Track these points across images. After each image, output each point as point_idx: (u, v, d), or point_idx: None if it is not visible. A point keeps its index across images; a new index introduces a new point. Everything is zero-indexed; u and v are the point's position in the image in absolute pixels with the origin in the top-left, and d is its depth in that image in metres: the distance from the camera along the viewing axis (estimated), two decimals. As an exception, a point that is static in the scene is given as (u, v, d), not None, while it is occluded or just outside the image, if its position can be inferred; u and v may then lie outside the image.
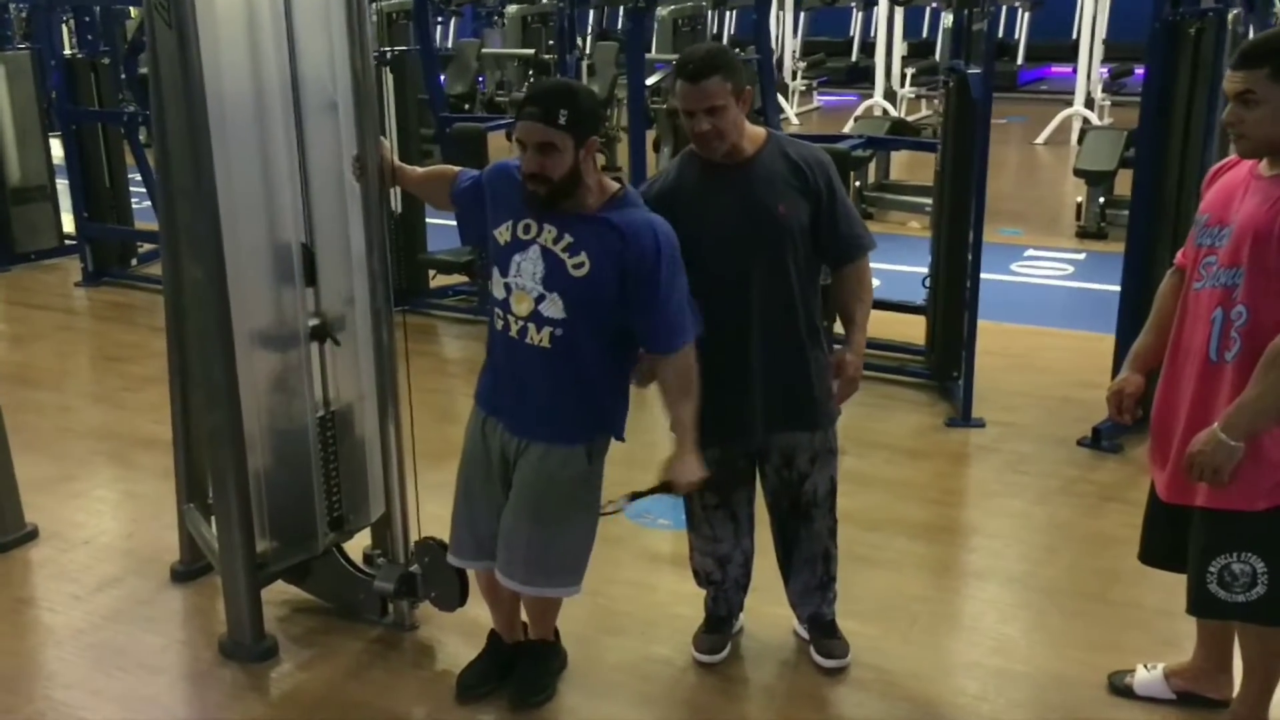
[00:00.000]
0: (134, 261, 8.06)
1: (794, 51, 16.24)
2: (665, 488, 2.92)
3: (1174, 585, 2.94)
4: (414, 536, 3.50)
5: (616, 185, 2.87)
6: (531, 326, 2.82)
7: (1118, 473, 4.63)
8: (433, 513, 3.40)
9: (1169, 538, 2.93)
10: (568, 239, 2.78)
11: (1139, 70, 13.76)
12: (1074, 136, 12.35)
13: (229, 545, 3.34)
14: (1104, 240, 8.42)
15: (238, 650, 3.41)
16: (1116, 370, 4.89)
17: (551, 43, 11.31)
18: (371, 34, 3.49)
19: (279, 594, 3.64)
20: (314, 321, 3.36)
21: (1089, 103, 12.94)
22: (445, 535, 3.22)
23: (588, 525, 3.00)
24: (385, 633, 3.54)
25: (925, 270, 5.86)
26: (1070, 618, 3.63)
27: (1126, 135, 8.48)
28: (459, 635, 3.48)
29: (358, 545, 3.74)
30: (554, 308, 2.78)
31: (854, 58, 17.77)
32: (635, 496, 2.95)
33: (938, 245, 5.66)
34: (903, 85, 14.45)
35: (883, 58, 14.48)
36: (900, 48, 14.61)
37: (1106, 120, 12.90)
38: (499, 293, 2.88)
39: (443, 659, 3.44)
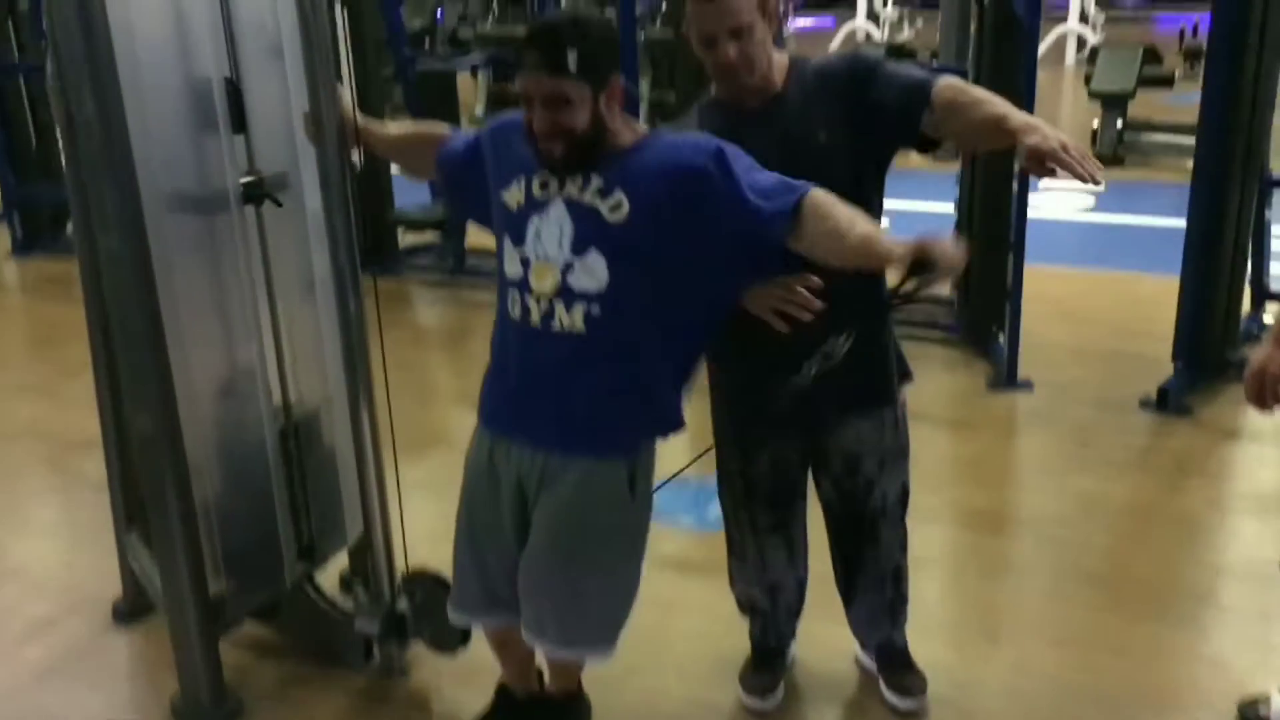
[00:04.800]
0: (69, 228, 7.35)
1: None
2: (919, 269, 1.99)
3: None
4: (399, 563, 2.93)
5: (647, 128, 2.29)
6: (559, 307, 2.19)
7: (1192, 439, 4.11)
8: (417, 523, 2.84)
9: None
10: (597, 182, 2.18)
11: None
12: (1069, 55, 11.79)
13: (175, 589, 2.75)
14: (1122, 167, 7.89)
15: (194, 714, 2.84)
16: (1176, 315, 4.42)
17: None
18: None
19: (243, 635, 3.06)
20: (246, 179, 2.68)
21: (1083, 18, 12.33)
22: (432, 552, 2.69)
23: (633, 571, 2.41)
24: (371, 682, 2.97)
25: (951, 208, 5.30)
26: (1175, 627, 3.11)
27: (1142, 52, 7.97)
28: (460, 680, 2.91)
29: (333, 566, 3.16)
30: (588, 277, 2.17)
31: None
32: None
33: (968, 179, 5.10)
34: (885, 4, 13.74)
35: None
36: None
37: (1100, 36, 12.31)
38: (514, 270, 2.25)
39: (440, 712, 2.88)
